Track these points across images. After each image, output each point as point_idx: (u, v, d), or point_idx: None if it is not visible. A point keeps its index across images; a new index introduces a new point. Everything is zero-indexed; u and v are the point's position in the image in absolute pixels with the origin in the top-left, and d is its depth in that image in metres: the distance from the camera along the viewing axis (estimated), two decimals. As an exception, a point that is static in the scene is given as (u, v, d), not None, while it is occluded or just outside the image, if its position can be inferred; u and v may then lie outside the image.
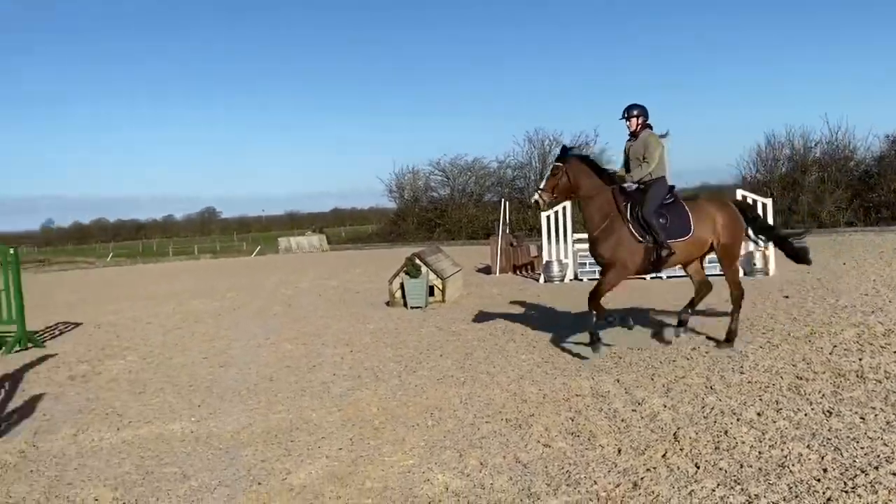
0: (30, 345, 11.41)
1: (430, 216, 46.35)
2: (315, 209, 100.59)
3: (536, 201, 8.14)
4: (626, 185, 8.17)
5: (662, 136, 8.30)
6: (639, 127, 8.28)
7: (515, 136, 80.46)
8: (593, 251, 8.18)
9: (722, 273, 8.54)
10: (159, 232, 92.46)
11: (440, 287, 13.86)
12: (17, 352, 11.06)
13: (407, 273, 13.55)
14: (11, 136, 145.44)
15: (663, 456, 4.91)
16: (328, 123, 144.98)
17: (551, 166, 8.21)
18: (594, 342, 7.84)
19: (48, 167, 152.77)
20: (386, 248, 39.41)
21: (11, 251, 11.49)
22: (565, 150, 8.19)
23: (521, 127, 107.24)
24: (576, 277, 16.54)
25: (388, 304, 14.07)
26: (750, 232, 8.72)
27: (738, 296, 8.29)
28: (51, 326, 13.88)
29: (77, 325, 14.14)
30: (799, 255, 8.73)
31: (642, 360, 7.80)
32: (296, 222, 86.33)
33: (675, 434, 5.31)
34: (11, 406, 7.66)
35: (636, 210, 7.91)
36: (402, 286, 13.75)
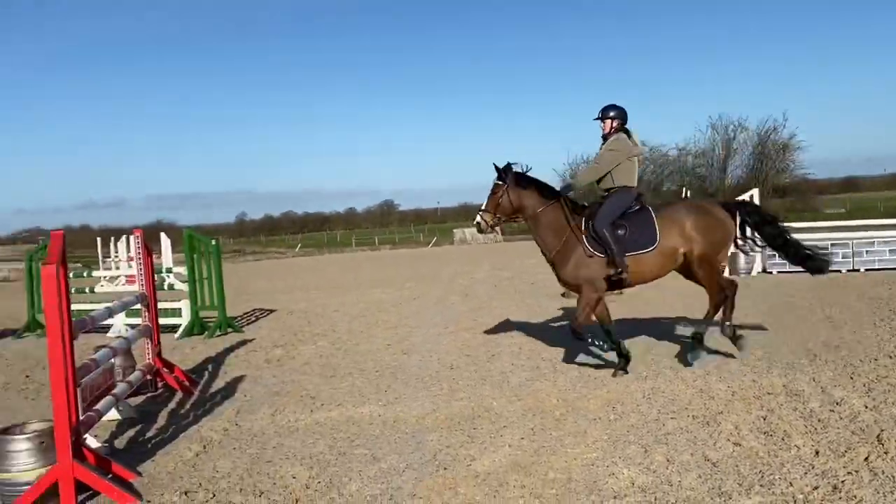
0: (230, 329, 12.23)
1: (606, 206, 45.58)
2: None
3: (478, 223, 7.63)
4: (570, 193, 7.72)
5: (635, 144, 7.62)
6: (612, 130, 7.62)
7: (698, 122, 77.57)
8: (556, 276, 7.66)
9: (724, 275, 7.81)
10: (342, 224, 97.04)
11: (618, 278, 13.61)
12: (218, 336, 11.90)
13: (583, 264, 13.41)
14: (207, 136, 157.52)
15: (866, 459, 4.61)
16: (502, 114, 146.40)
17: (492, 184, 7.67)
18: (620, 364, 7.45)
19: (241, 164, 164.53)
20: (560, 239, 39.08)
21: (213, 242, 12.41)
22: (507, 168, 7.58)
23: (703, 112, 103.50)
24: (764, 270, 15.78)
25: (563, 295, 13.99)
26: (750, 236, 7.82)
27: (725, 295, 7.60)
28: (248, 312, 14.85)
29: (271, 311, 15.07)
30: (811, 263, 7.71)
31: (840, 357, 7.35)
32: (470, 214, 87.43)
33: (878, 436, 4.97)
34: (215, 387, 8.25)
35: (590, 223, 7.36)
36: (578, 277, 13.61)
